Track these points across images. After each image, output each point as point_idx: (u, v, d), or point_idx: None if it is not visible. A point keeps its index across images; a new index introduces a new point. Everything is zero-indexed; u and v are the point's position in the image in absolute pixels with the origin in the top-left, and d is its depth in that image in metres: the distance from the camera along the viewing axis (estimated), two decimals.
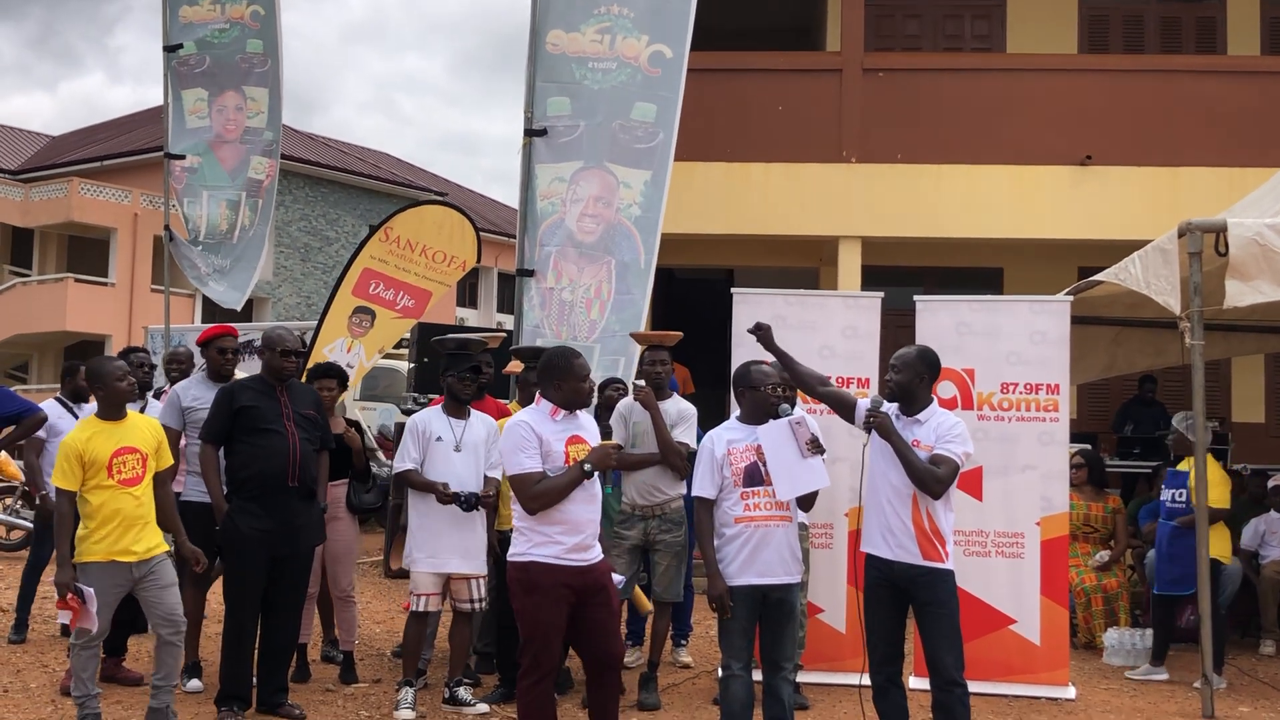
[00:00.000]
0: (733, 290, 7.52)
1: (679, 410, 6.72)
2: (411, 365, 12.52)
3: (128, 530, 5.44)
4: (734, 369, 5.66)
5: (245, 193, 11.44)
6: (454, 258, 9.51)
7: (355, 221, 33.83)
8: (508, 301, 26.52)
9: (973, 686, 5.20)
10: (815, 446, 5.13)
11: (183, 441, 6.66)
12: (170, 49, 11.51)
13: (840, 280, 12.08)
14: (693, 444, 6.51)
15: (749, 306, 7.29)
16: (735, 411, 5.47)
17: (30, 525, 10.47)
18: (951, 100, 12.28)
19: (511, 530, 5.12)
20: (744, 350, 6.74)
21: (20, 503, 11.60)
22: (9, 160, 34.99)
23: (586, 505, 5.02)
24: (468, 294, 38.90)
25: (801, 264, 13.57)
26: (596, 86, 9.12)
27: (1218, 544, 7.51)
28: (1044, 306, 7.42)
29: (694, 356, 11.20)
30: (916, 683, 6.34)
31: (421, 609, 6.29)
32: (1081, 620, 8.65)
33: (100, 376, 5.58)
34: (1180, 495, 7.67)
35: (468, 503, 6.21)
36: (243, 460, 6.09)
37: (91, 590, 5.36)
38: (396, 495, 9.12)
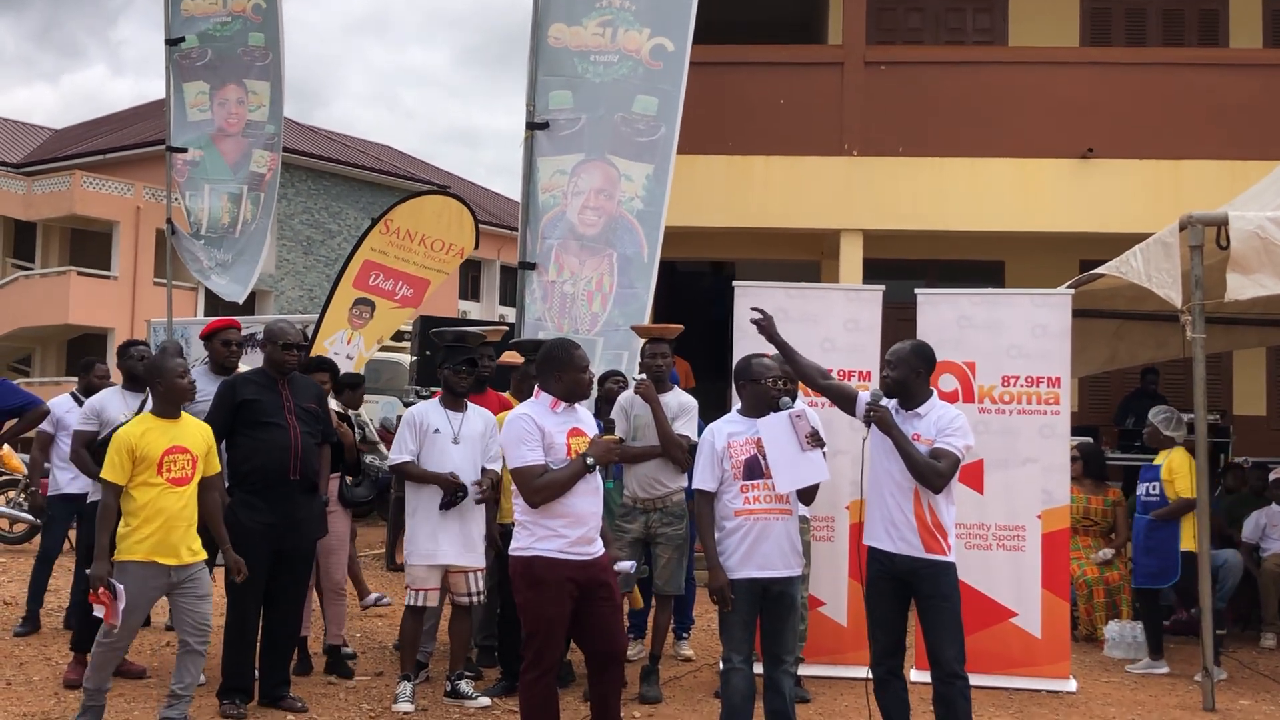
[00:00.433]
0: (734, 283, 7.52)
1: (680, 403, 6.72)
2: (414, 358, 12.53)
3: (171, 531, 5.36)
4: (735, 362, 5.66)
5: (247, 186, 11.46)
6: (452, 245, 9.55)
7: (357, 215, 33.84)
8: (510, 294, 26.57)
9: (974, 679, 5.20)
10: (815, 439, 5.12)
11: None
12: (172, 42, 11.53)
13: (841, 273, 12.11)
14: (694, 437, 6.50)
15: (750, 300, 7.28)
16: (736, 404, 5.47)
17: (31, 519, 10.48)
18: (953, 93, 12.29)
19: (513, 524, 5.12)
20: (745, 343, 6.74)
21: (23, 496, 11.62)
22: (11, 153, 35.02)
23: (589, 498, 5.02)
24: (470, 287, 38.94)
25: (803, 257, 13.58)
26: (598, 80, 9.11)
27: (1189, 536, 7.47)
28: (1045, 300, 7.42)
29: (694, 350, 11.20)
30: (917, 675, 6.33)
31: (418, 603, 6.27)
32: (1083, 613, 8.65)
33: (161, 372, 5.51)
34: (1154, 489, 7.68)
35: (450, 502, 6.17)
36: (244, 454, 6.10)
37: (123, 588, 5.29)
38: (398, 488, 9.14)
